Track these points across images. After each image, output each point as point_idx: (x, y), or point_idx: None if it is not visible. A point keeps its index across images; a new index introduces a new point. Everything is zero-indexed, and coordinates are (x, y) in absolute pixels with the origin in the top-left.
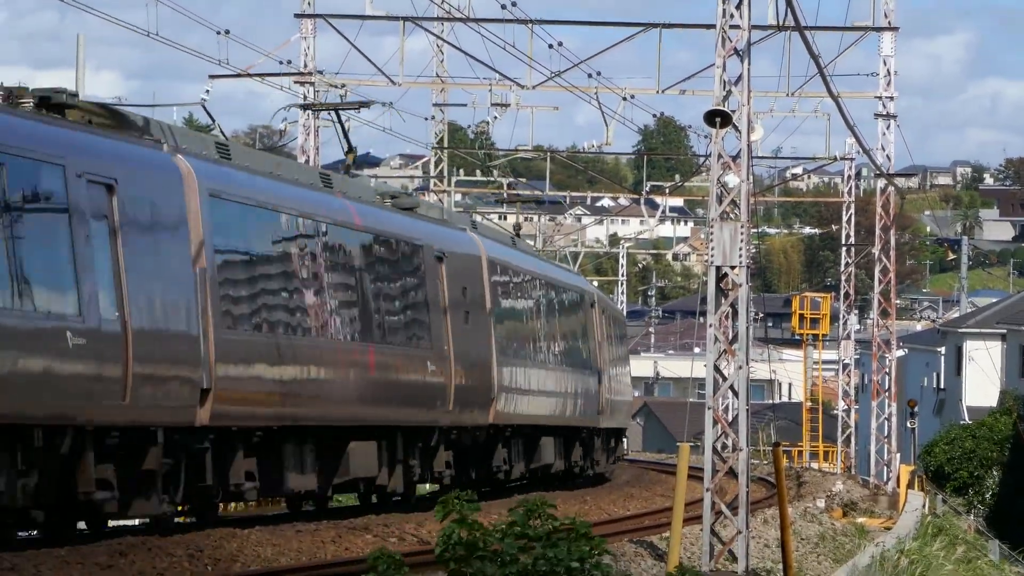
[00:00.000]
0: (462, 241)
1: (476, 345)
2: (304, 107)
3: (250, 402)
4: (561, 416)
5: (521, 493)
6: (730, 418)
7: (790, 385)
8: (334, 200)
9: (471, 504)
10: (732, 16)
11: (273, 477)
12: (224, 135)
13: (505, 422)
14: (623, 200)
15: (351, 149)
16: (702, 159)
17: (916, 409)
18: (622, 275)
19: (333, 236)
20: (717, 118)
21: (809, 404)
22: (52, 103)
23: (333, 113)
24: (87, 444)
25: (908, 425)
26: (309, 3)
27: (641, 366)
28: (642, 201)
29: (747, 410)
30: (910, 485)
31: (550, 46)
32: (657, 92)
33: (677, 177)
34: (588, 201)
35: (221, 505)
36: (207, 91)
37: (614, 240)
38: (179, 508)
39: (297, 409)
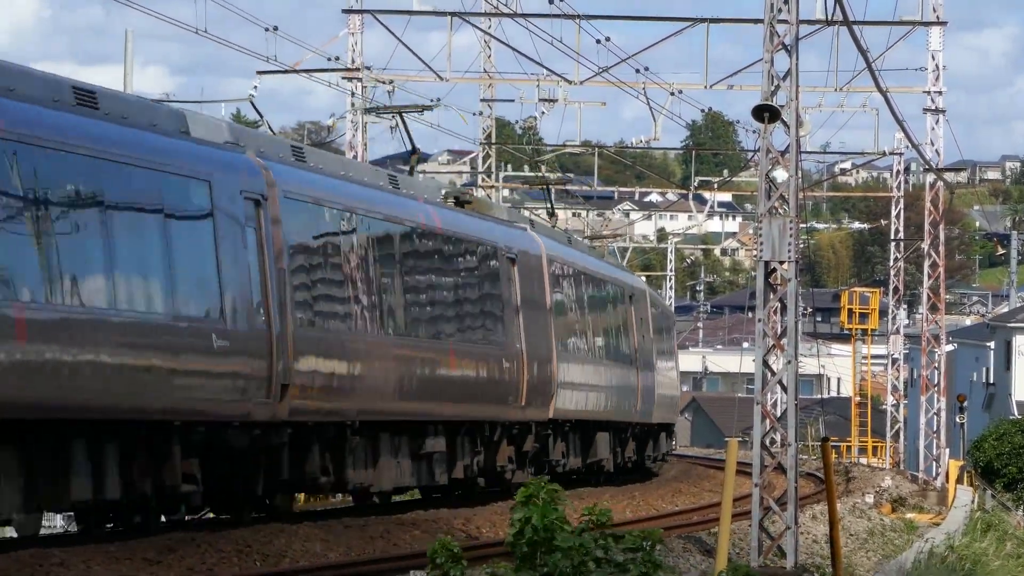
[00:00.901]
0: (527, 241)
1: (540, 343)
2: (369, 110)
3: (327, 398)
4: (614, 411)
5: (570, 489)
6: (779, 413)
7: (839, 380)
8: (416, 204)
9: (557, 493)
10: (780, 11)
11: (349, 471)
12: (272, 130)
13: (563, 417)
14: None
15: (415, 151)
16: (750, 154)
17: (965, 404)
18: (670, 270)
19: (417, 239)
20: (765, 113)
21: (858, 399)
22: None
23: (397, 116)
24: (175, 439)
25: (957, 420)
26: None
27: (689, 361)
28: (690, 196)
29: (796, 405)
30: (959, 480)
31: (598, 41)
32: (705, 87)
33: (725, 172)
34: (636, 196)
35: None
36: (255, 87)
37: (662, 235)
38: (266, 501)
39: (375, 404)
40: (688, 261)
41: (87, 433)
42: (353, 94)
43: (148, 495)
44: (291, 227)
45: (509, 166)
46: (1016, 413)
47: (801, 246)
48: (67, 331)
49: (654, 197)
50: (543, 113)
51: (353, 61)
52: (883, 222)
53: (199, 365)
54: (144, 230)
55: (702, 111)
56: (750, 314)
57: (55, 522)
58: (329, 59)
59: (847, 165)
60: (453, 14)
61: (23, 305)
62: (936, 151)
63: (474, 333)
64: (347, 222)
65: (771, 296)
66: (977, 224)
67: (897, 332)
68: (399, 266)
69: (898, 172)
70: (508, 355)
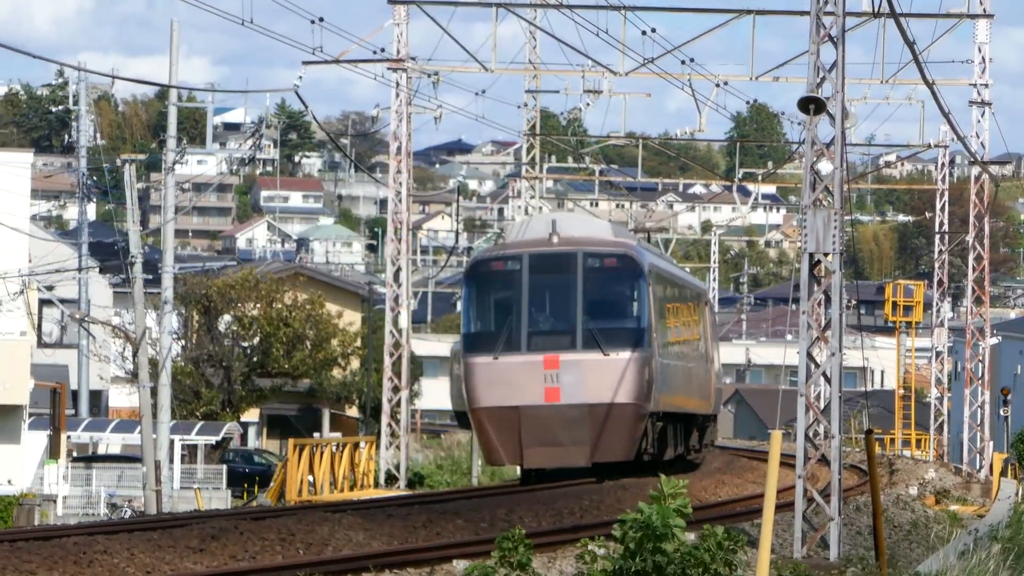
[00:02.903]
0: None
1: (707, 356)
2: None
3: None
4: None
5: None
6: (822, 405)
7: (883, 372)
8: (698, 281)
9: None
10: (826, 3)
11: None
12: (316, 120)
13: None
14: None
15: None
16: (795, 146)
17: (1009, 397)
18: (714, 262)
19: (702, 299)
20: (811, 105)
21: (902, 391)
22: None
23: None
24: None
25: (1001, 413)
26: None
27: (733, 353)
28: (734, 188)
29: (840, 397)
30: (1003, 473)
31: (643, 32)
32: (750, 79)
33: (770, 164)
34: (680, 188)
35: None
36: (300, 77)
37: (706, 227)
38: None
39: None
40: (731, 253)
41: None
42: (398, 85)
43: None
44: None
45: (553, 157)
46: None
47: (845, 238)
48: None
49: (698, 189)
50: (588, 104)
51: (398, 52)
52: (928, 215)
53: None
54: None
55: (747, 103)
56: (794, 306)
57: (99, 510)
58: (375, 51)
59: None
60: (499, 5)
61: None
62: (981, 144)
63: (707, 355)
64: (667, 285)
65: (815, 288)
66: (1022, 217)
67: (941, 325)
68: (700, 317)
69: (943, 165)
70: (712, 367)
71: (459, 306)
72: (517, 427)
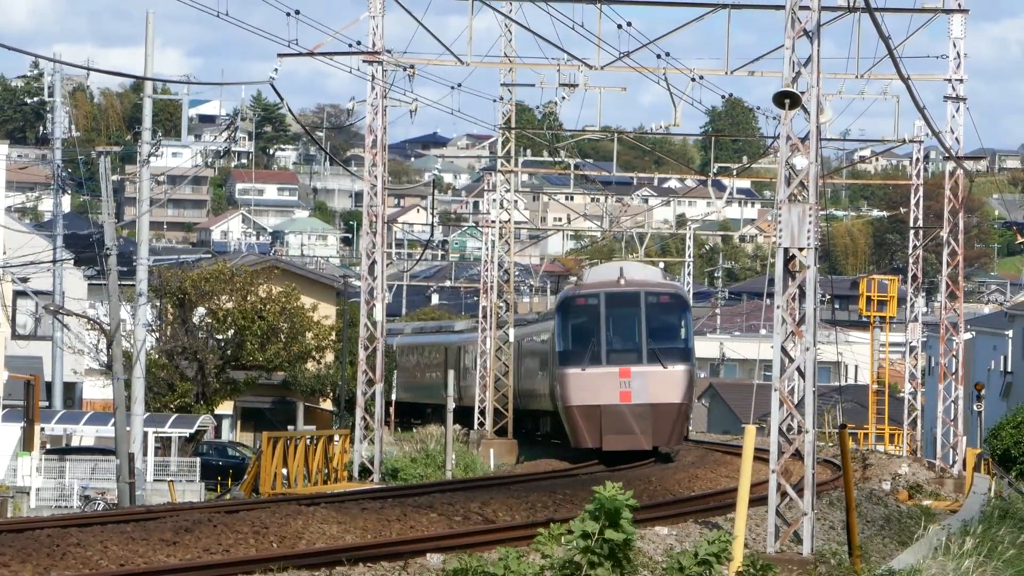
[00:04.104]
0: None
1: None
2: None
3: None
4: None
5: (591, 474)
6: (796, 400)
7: (856, 367)
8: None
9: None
10: None
11: None
12: (292, 113)
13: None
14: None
15: None
16: (770, 141)
17: (983, 392)
18: (689, 256)
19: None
20: (786, 99)
21: (876, 386)
22: None
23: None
24: None
25: (975, 408)
26: None
27: (707, 347)
28: (709, 183)
29: (814, 392)
30: (976, 468)
31: (619, 26)
32: (725, 73)
33: (745, 159)
34: (655, 182)
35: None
36: (275, 70)
37: (681, 221)
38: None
39: None
40: (706, 248)
41: None
42: (373, 78)
43: None
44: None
45: (529, 151)
46: None
47: (820, 233)
48: None
49: (673, 183)
50: (563, 98)
51: (374, 44)
52: (902, 210)
53: None
54: None
55: (722, 97)
56: (768, 301)
57: (72, 502)
58: (351, 44)
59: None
60: None
61: None
62: (956, 139)
63: None
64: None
65: (790, 283)
66: (996, 212)
67: (915, 320)
68: None
69: (918, 160)
70: None
71: (435, 299)
72: (599, 420)
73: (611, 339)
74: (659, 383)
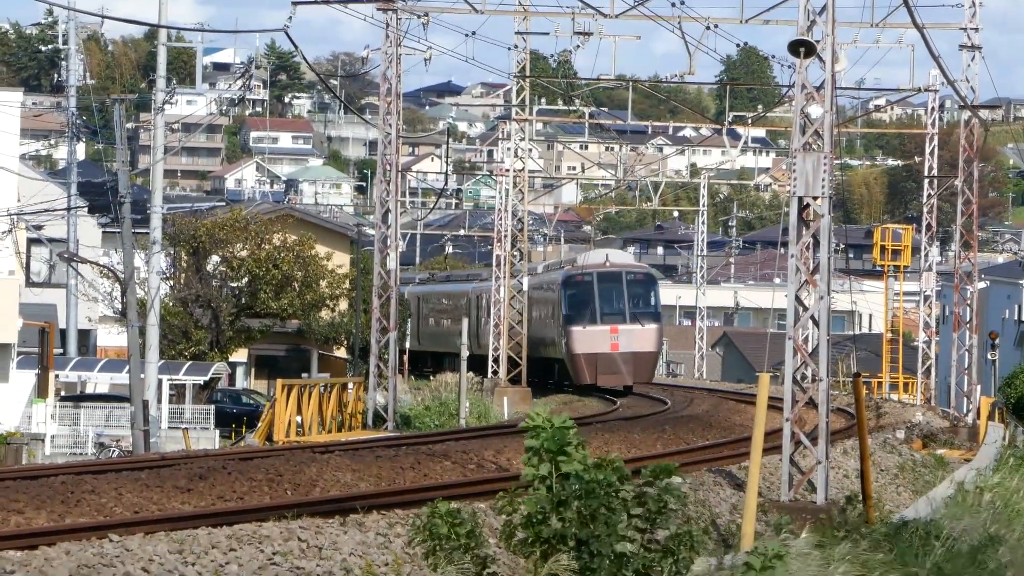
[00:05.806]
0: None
1: None
2: None
3: None
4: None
5: (605, 423)
6: (810, 348)
7: (871, 316)
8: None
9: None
10: None
11: None
12: (307, 61)
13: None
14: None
15: None
16: (785, 90)
17: (997, 341)
18: (703, 205)
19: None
20: (801, 48)
21: (890, 335)
22: None
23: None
24: None
25: (989, 357)
26: None
27: (721, 296)
28: (724, 132)
29: (828, 340)
30: (990, 417)
31: None
32: (741, 22)
33: (760, 108)
34: (670, 131)
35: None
36: (290, 18)
37: (695, 170)
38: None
39: None
40: (720, 196)
41: None
42: (388, 25)
43: None
44: None
45: (543, 100)
46: None
47: (834, 182)
48: None
49: (688, 132)
50: (578, 47)
51: None
52: (917, 159)
53: None
54: None
55: (737, 46)
56: (782, 250)
57: (87, 449)
58: None
59: (882, 101)
60: None
61: None
62: (971, 88)
63: None
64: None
65: (804, 232)
66: (1011, 162)
67: (929, 269)
68: None
69: (933, 109)
70: None
71: (449, 248)
72: (595, 364)
73: (603, 306)
74: (638, 337)
